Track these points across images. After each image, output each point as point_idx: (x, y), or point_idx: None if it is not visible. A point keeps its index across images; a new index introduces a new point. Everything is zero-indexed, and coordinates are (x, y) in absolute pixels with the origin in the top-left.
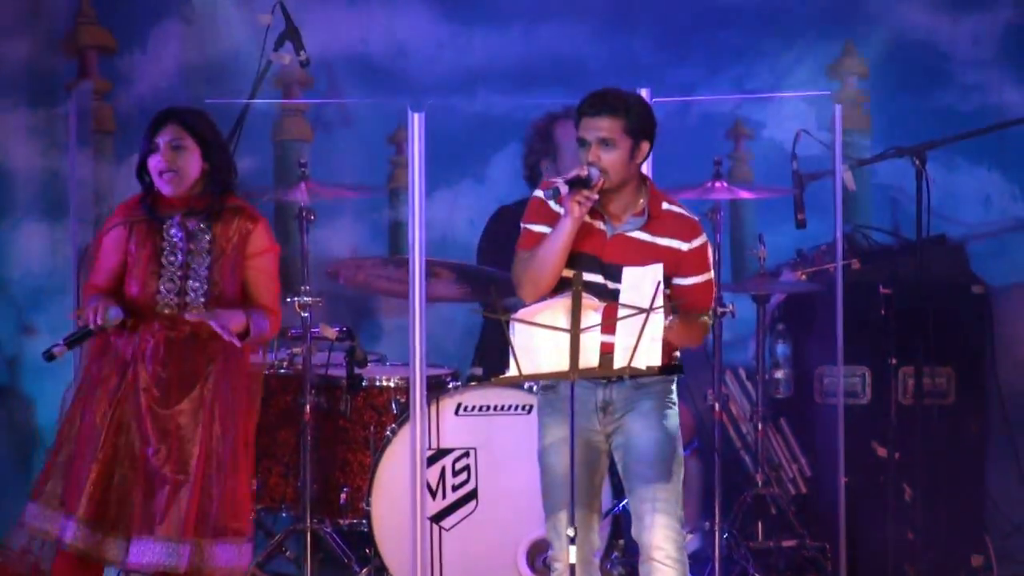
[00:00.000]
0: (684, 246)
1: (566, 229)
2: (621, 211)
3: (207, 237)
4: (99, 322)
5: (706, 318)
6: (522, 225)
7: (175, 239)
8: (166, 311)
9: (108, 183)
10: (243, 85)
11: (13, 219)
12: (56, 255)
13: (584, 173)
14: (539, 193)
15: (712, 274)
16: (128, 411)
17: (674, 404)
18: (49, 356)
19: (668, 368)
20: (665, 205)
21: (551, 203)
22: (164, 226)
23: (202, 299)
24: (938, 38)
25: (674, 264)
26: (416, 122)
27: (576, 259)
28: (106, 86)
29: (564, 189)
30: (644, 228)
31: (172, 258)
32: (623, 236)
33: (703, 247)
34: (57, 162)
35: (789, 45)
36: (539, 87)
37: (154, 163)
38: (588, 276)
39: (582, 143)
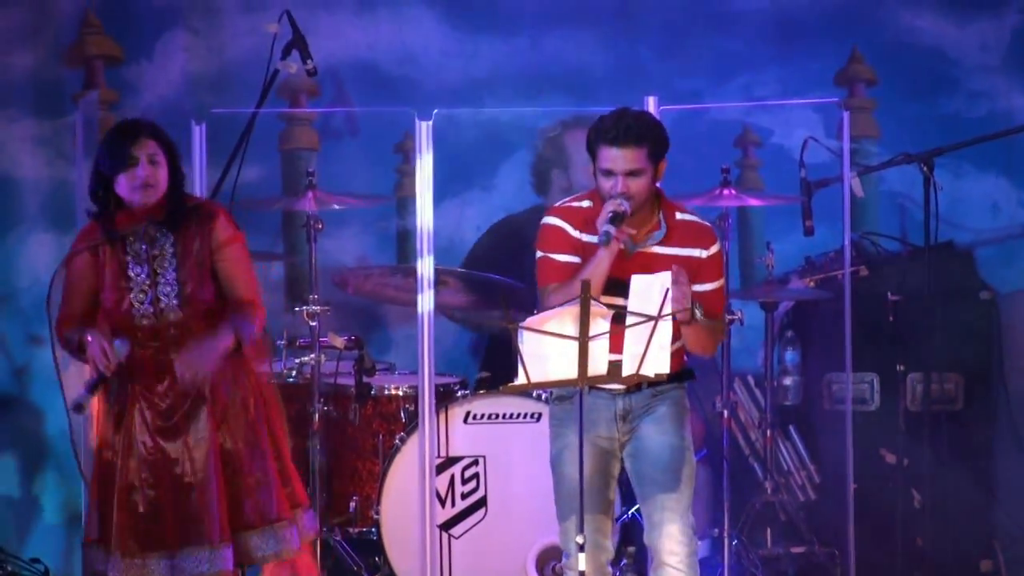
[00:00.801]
0: (703, 253)
1: (607, 263)
2: (638, 228)
3: (169, 242)
4: (112, 364)
5: (721, 324)
6: (544, 254)
7: (140, 251)
8: (144, 322)
9: None
10: (250, 94)
11: (21, 229)
12: None
13: (621, 209)
14: (555, 221)
15: (724, 279)
16: (136, 432)
17: (687, 410)
18: (79, 408)
19: (680, 373)
20: (679, 215)
21: (585, 236)
22: (127, 241)
23: (175, 302)
24: (945, 44)
25: (693, 272)
26: (424, 131)
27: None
28: (113, 96)
29: (613, 230)
30: (662, 242)
31: (138, 269)
32: (643, 253)
33: (719, 253)
34: (64, 172)
35: (796, 52)
36: (546, 96)
37: (134, 176)
38: (609, 299)
39: (608, 174)
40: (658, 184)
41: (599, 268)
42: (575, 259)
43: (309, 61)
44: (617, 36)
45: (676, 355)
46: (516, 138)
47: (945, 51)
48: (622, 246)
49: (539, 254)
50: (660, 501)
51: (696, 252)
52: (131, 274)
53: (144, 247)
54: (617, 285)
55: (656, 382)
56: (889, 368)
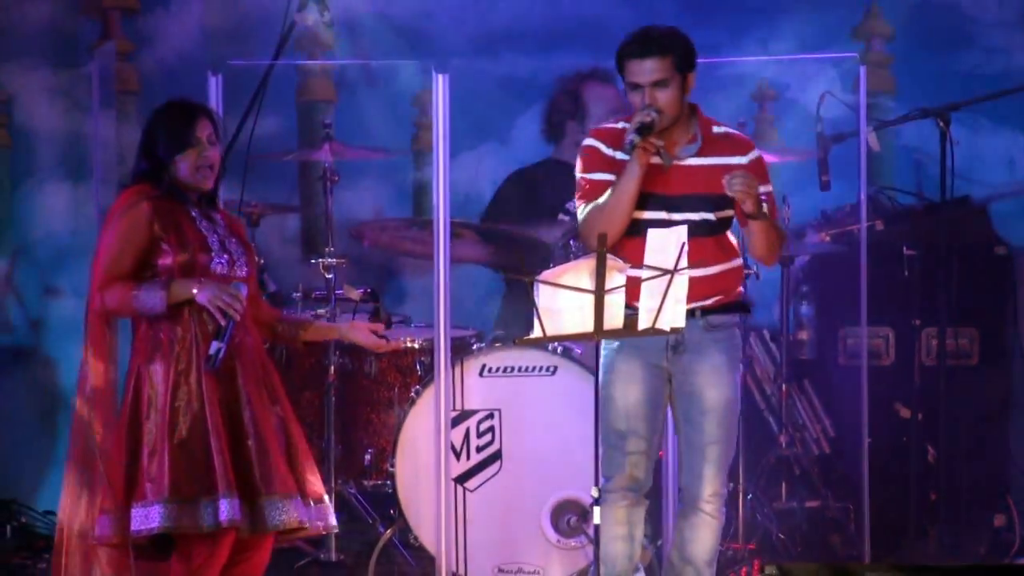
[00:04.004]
0: (742, 159)
1: (636, 175)
2: (675, 143)
3: (218, 217)
4: (241, 309)
5: (782, 229)
6: (581, 176)
7: (199, 213)
8: (218, 269)
9: (131, 144)
10: (267, 46)
11: (36, 180)
12: (79, 216)
13: (648, 119)
14: (589, 141)
15: (771, 185)
16: (205, 387)
17: (740, 351)
18: (216, 361)
19: (737, 305)
20: (715, 128)
21: (619, 154)
22: (185, 204)
23: (244, 260)
24: (963, 0)
25: None
26: (441, 83)
27: (641, 200)
28: (129, 47)
29: (637, 138)
30: (699, 154)
31: (206, 225)
32: (681, 166)
33: (760, 158)
34: (80, 123)
35: (814, 7)
36: (563, 49)
37: (197, 159)
38: (651, 214)
39: (635, 87)
40: (688, 98)
41: (629, 181)
42: (610, 176)
43: (326, 13)
44: None
45: (734, 276)
46: (533, 91)
47: (962, 7)
48: (655, 160)
49: (578, 175)
50: (706, 451)
51: (735, 159)
52: (201, 228)
53: (198, 213)
54: (660, 200)
55: (712, 309)
56: (904, 323)
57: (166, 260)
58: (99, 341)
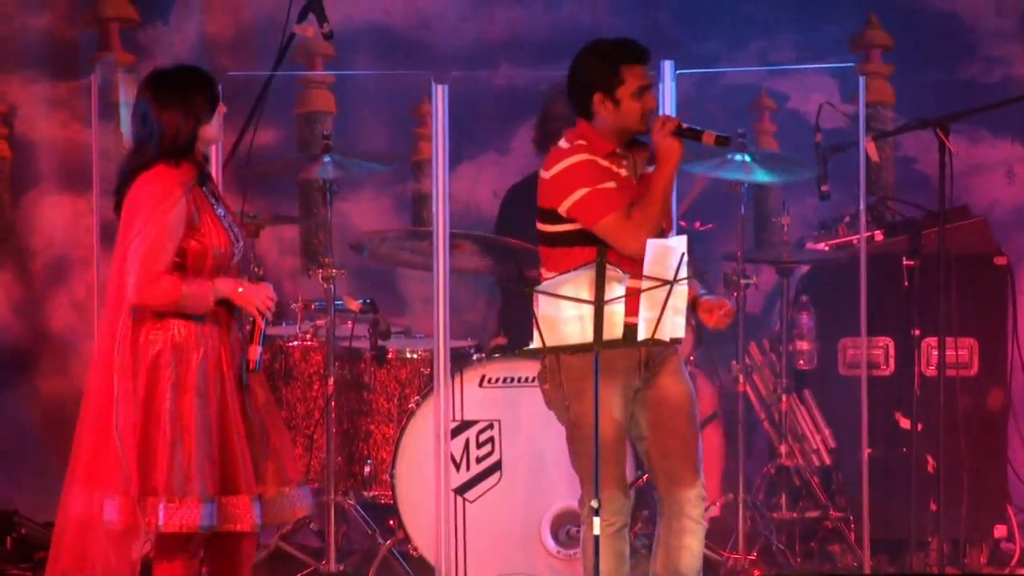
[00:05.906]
0: None
1: (673, 175)
2: (641, 154)
3: (218, 190)
4: (275, 310)
5: None
6: (590, 188)
7: (208, 192)
8: (236, 257)
9: None
10: (266, 57)
11: (36, 191)
12: (79, 227)
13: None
14: (586, 156)
15: None
16: (228, 377)
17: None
18: (258, 366)
19: None
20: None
21: (614, 166)
22: (204, 187)
23: (243, 240)
24: (962, 10)
25: None
26: (440, 94)
27: None
28: (129, 58)
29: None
30: (651, 160)
31: (221, 210)
32: (647, 176)
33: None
34: (79, 134)
35: (813, 17)
36: (562, 60)
37: (220, 115)
38: None
39: (645, 89)
40: None
41: (671, 181)
42: (612, 184)
43: (325, 24)
44: (633, 0)
45: None
46: (532, 102)
47: (961, 16)
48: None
49: (583, 191)
50: (683, 452)
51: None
52: (218, 214)
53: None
54: None
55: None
56: (904, 333)
57: (193, 245)
58: (129, 336)
